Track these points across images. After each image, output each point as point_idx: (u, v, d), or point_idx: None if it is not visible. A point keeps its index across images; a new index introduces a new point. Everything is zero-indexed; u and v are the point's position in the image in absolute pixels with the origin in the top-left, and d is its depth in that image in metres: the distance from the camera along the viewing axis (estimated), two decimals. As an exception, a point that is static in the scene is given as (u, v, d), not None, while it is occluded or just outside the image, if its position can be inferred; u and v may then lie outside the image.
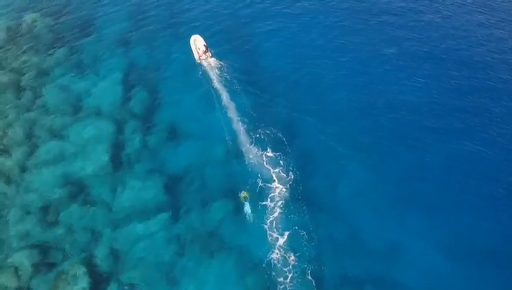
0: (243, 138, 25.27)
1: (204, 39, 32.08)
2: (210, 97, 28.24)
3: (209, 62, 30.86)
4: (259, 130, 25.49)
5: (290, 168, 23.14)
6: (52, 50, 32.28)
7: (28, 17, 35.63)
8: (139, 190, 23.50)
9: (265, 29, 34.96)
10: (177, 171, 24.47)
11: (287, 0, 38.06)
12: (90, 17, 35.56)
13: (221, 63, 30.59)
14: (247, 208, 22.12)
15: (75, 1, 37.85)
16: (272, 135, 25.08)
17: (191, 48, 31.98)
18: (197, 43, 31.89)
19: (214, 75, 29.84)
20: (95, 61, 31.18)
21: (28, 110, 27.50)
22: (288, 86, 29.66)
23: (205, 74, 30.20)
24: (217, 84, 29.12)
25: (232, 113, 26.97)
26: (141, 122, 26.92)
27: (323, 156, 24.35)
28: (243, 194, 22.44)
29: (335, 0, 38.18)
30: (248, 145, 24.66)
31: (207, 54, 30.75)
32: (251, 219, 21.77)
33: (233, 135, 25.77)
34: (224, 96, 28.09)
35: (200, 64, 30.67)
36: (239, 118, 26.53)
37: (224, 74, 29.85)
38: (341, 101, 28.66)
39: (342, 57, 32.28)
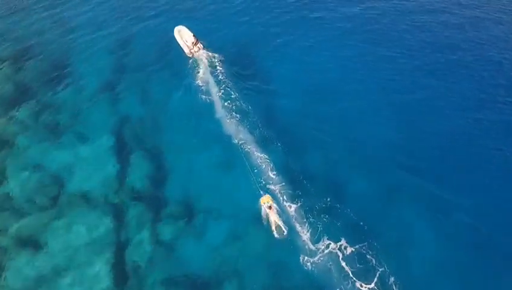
0: (294, 216, 18.02)
1: (191, 29, 27.09)
2: (231, 149, 21.01)
3: (202, 56, 26.34)
4: (317, 204, 18.16)
5: (386, 271, 15.64)
6: (14, 109, 24.09)
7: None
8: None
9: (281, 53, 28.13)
10: (206, 276, 17.09)
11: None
12: (63, 59, 27.47)
13: (215, 56, 26.49)
14: (276, 218, 17.49)
15: (40, 39, 29.58)
16: (339, 211, 17.89)
17: (177, 42, 26.92)
18: (183, 34, 27.07)
19: (220, 96, 23.86)
20: (74, 120, 23.26)
21: (-15, 206, 19.54)
22: (327, 122, 22.70)
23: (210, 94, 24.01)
24: (233, 122, 22.33)
25: (268, 172, 19.61)
26: (147, 205, 19.33)
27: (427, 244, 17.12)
28: (264, 199, 17.98)
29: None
30: (304, 231, 17.29)
31: (198, 45, 26.60)
32: (284, 231, 17.18)
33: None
34: (251, 147, 20.84)
35: (202, 86, 24.79)
36: (278, 181, 19.22)
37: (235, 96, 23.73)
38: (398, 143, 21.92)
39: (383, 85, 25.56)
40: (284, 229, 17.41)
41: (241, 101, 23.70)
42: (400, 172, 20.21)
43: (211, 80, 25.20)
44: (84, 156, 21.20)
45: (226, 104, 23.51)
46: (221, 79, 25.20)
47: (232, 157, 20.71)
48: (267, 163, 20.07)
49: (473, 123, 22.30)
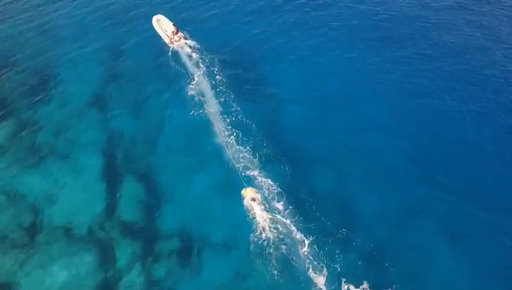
0: (307, 257, 15.34)
1: (171, 19, 26.56)
2: (231, 173, 18.61)
3: (184, 47, 25.36)
4: (331, 238, 15.79)
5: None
6: (-12, 128, 21.80)
7: None
8: None
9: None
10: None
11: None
12: (47, 71, 24.84)
13: (196, 45, 25.56)
14: (261, 212, 16.45)
15: (23, 49, 26.81)
16: (358, 245, 15.52)
17: (156, 31, 26.33)
18: (163, 24, 26.42)
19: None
20: (57, 140, 20.77)
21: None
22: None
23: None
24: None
25: (273, 201, 17.14)
26: (138, 239, 16.91)
27: None
28: (246, 190, 17.15)
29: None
30: (319, 276, 14.63)
31: (179, 35, 25.68)
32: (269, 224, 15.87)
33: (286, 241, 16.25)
34: (253, 170, 18.41)
35: (191, 80, 23.35)
36: (287, 213, 16.86)
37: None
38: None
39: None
40: (269, 221, 16.30)
41: (242, 114, 21.43)
42: (426, 192, 18.16)
43: (208, 89, 22.96)
44: (67, 182, 18.77)
45: (225, 118, 21.21)
46: (220, 89, 22.87)
47: (232, 183, 18.32)
48: (271, 189, 17.70)
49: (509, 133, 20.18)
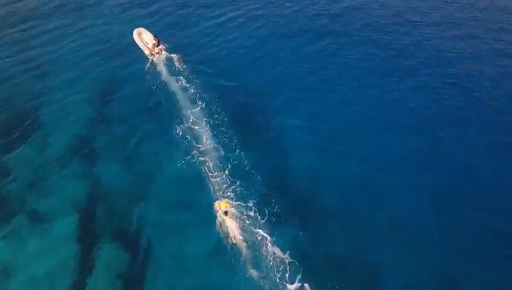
0: None
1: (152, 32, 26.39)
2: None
3: (163, 58, 25.01)
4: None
5: None
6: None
7: None
8: None
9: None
10: None
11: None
12: (26, 109, 22.08)
13: (177, 56, 25.21)
14: (233, 226, 15.12)
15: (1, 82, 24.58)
16: None
17: (136, 44, 26.11)
18: (144, 37, 26.22)
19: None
20: (28, 192, 17.51)
21: None
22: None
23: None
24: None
25: (281, 281, 13.86)
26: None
27: None
28: (220, 203, 15.74)
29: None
30: None
31: (160, 47, 25.43)
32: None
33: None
34: (256, 233, 15.19)
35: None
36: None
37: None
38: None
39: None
40: (242, 238, 14.93)
41: (245, 160, 18.54)
42: (463, 257, 15.14)
43: (205, 129, 20.31)
44: (32, 247, 15.32)
45: (224, 164, 18.26)
46: (221, 130, 20.19)
47: (232, 250, 15.02)
48: (281, 257, 14.44)
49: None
